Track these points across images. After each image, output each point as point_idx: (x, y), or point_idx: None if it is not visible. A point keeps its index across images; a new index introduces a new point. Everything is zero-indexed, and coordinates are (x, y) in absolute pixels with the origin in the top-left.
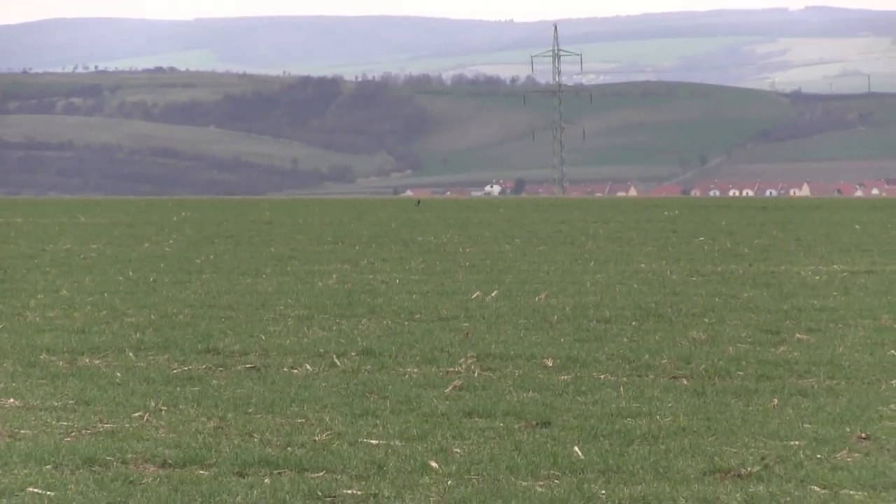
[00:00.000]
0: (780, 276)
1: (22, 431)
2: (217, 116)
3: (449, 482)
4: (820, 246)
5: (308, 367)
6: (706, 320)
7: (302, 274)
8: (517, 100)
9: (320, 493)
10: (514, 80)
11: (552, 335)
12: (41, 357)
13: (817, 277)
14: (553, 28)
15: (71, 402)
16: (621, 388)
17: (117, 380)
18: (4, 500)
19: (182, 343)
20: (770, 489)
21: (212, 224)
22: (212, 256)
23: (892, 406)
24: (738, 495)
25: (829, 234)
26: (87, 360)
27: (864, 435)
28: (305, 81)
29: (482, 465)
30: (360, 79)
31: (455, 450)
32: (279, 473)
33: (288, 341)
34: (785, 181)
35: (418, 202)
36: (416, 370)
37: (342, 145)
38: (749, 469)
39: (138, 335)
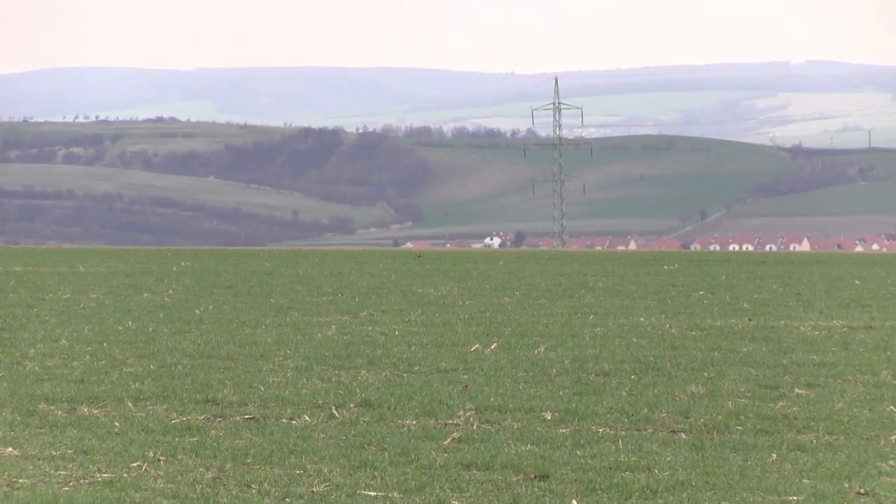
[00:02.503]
0: (779, 331)
1: (20, 480)
2: (217, 167)
3: None
4: (819, 301)
5: (307, 418)
6: (705, 374)
7: (301, 325)
8: (517, 152)
9: None
10: (514, 133)
11: (551, 388)
12: (40, 406)
13: (816, 332)
14: (554, 81)
15: (69, 451)
16: (620, 442)
17: (116, 429)
18: None
19: (181, 393)
20: None
21: (211, 274)
22: (211, 307)
23: (891, 462)
24: None
25: (829, 289)
26: (86, 410)
27: (862, 490)
28: (306, 132)
29: None
30: (360, 130)
31: (453, 502)
32: None
33: (287, 392)
34: (785, 236)
35: (419, 255)
36: (414, 422)
37: (342, 196)
38: None
39: (137, 385)
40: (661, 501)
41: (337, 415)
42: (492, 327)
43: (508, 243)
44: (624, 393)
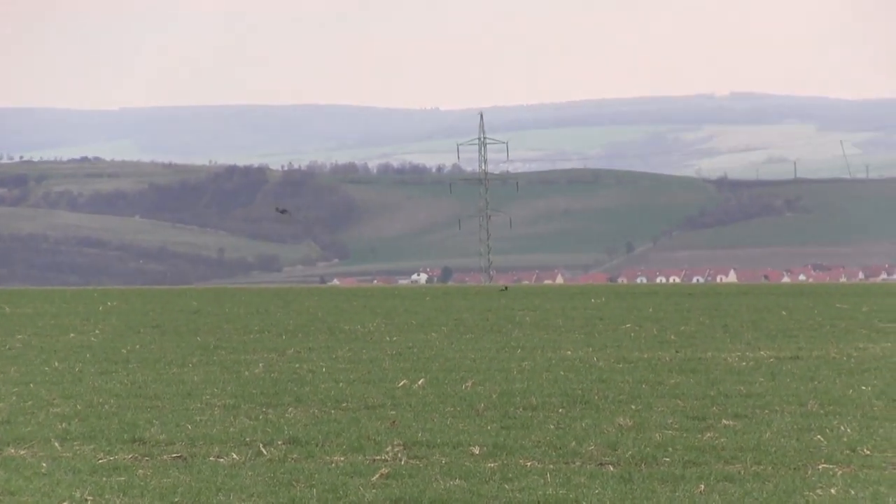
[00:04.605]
0: (706, 363)
1: None
2: (142, 206)
3: None
4: (746, 332)
5: (234, 456)
6: (633, 407)
7: (228, 363)
8: (443, 188)
9: None
10: (440, 169)
11: (479, 423)
12: None
13: (744, 363)
14: (479, 116)
15: None
16: (548, 475)
17: (43, 470)
18: None
19: (108, 433)
20: None
21: (138, 314)
22: (138, 346)
23: (818, 491)
24: None
25: (756, 320)
26: (13, 451)
27: None
28: (231, 171)
29: None
30: (286, 168)
31: None
32: None
33: (214, 430)
34: (712, 268)
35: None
36: (342, 459)
37: (268, 234)
38: None
39: (64, 425)
40: None
41: (265, 452)
42: (419, 363)
43: (435, 279)
44: (552, 426)
